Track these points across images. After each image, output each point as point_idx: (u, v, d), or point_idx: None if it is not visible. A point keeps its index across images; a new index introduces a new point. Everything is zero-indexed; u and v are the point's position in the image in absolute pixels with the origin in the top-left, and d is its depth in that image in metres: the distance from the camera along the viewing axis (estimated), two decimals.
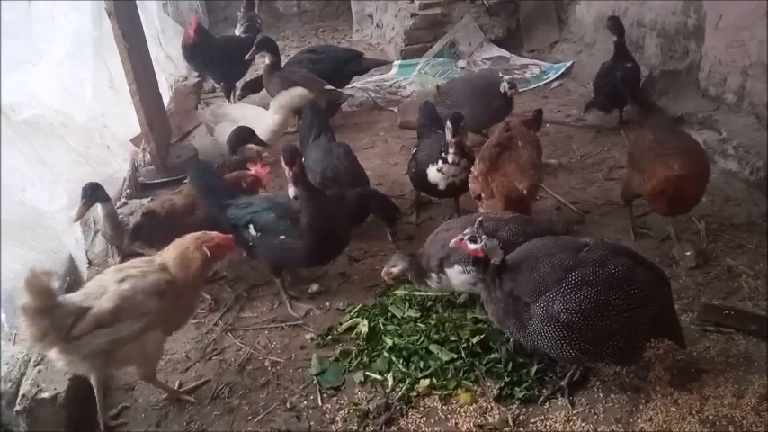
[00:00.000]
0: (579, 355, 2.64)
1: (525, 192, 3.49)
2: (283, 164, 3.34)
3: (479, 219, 2.75)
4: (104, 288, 2.71)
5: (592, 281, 2.56)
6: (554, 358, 2.86)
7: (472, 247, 2.64)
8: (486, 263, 2.67)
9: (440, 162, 3.95)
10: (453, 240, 2.74)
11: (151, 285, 2.73)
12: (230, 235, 3.14)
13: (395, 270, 3.36)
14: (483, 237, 2.62)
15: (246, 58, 5.98)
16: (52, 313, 2.54)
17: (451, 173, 3.94)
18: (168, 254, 2.90)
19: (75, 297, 2.72)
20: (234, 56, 6.32)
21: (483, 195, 3.63)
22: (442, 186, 4.02)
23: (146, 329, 2.73)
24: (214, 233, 3.01)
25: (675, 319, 2.88)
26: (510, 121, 4.14)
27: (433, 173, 4.00)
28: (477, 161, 3.78)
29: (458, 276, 3.14)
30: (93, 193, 3.64)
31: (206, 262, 2.93)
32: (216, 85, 6.95)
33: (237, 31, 6.84)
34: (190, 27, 6.28)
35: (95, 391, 2.85)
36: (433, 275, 3.23)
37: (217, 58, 6.33)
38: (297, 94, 5.11)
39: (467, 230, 2.67)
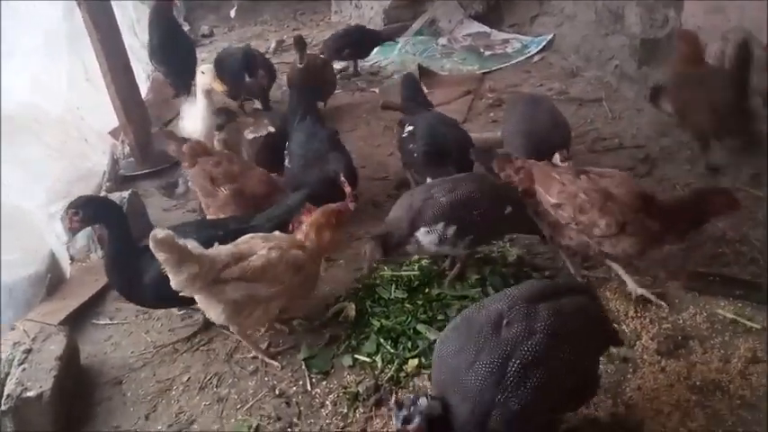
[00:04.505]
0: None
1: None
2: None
3: (394, 403, 2.22)
4: (253, 249, 2.96)
5: (531, 360, 2.13)
6: None
7: (413, 427, 2.13)
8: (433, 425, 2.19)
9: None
10: None
11: (293, 259, 2.99)
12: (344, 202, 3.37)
13: (368, 254, 3.25)
14: (411, 410, 2.14)
15: None
16: (198, 262, 2.78)
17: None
18: (305, 230, 3.15)
19: (226, 248, 2.96)
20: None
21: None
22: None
23: (274, 297, 2.96)
24: (333, 205, 3.23)
25: (611, 325, 2.62)
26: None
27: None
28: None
29: (425, 237, 3.19)
30: None
31: (336, 230, 3.20)
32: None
33: None
34: None
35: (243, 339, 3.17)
36: (411, 240, 3.22)
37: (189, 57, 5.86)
38: (201, 69, 4.58)
39: (398, 417, 2.15)
